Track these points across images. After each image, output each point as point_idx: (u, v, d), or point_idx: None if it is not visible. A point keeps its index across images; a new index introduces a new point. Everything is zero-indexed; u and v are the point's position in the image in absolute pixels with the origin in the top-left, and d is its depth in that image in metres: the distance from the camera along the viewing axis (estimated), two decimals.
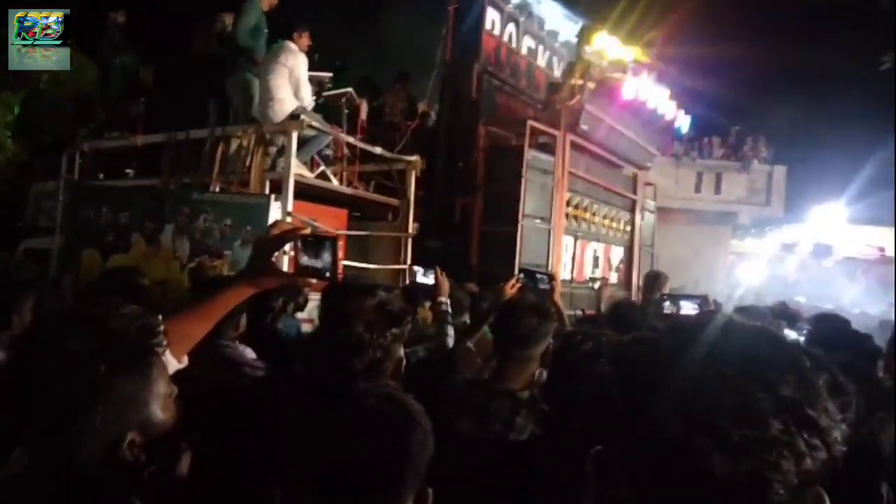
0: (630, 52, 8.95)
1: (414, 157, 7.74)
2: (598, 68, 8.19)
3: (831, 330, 3.90)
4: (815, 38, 22.01)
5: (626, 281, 9.89)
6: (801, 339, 4.11)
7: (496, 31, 9.20)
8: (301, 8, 8.67)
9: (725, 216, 21.19)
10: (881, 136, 17.86)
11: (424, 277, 4.09)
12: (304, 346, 2.88)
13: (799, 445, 0.72)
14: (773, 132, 21.29)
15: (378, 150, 7.60)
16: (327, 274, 1.63)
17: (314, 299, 3.40)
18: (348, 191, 7.41)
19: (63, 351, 1.22)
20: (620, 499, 0.80)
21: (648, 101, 8.70)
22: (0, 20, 5.86)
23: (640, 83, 8.49)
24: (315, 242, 1.65)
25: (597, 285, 5.49)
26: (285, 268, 2.18)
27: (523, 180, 7.51)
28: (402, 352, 1.95)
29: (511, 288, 3.68)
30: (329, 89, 8.49)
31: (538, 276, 4.12)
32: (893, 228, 20.89)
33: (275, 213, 5.77)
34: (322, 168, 7.20)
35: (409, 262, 7.19)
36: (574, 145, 8.23)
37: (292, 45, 6.58)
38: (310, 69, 6.89)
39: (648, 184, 10.49)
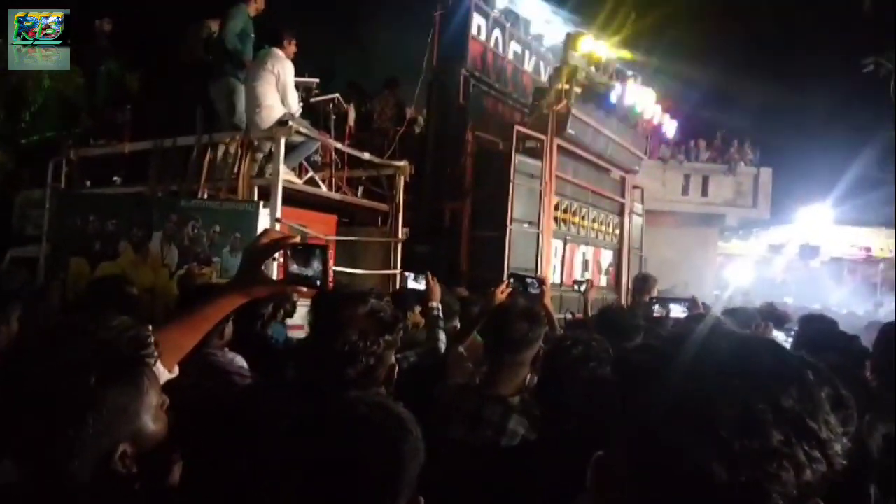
0: (616, 56, 9.01)
1: (402, 163, 7.74)
2: (584, 73, 8.23)
3: (819, 331, 3.93)
4: (800, 41, 22.25)
5: (615, 284, 9.94)
6: (789, 340, 4.15)
7: (482, 37, 9.24)
8: (288, 15, 8.65)
9: (713, 218, 21.37)
10: (866, 137, 18.05)
11: (415, 282, 4.09)
12: (294, 354, 2.87)
13: (799, 457, 0.72)
14: (758, 135, 21.49)
15: (367, 155, 7.59)
16: (317, 283, 1.63)
17: (304, 305, 3.39)
18: (337, 196, 7.39)
19: (53, 362, 1.21)
20: (620, 503, 0.81)
21: (635, 104, 8.75)
22: None
23: (627, 87, 8.54)
24: (305, 250, 1.64)
25: (583, 288, 5.50)
26: (274, 276, 2.16)
27: (511, 185, 7.54)
28: (394, 358, 1.95)
29: (501, 293, 3.69)
30: (316, 95, 8.49)
31: (528, 280, 4.13)
32: (894, 229, 20.99)
33: (263, 219, 5.75)
34: (311, 174, 7.18)
35: (398, 267, 7.18)
36: (561, 149, 8.27)
37: (279, 52, 6.56)
38: (296, 75, 6.87)
39: (636, 187, 10.57)
